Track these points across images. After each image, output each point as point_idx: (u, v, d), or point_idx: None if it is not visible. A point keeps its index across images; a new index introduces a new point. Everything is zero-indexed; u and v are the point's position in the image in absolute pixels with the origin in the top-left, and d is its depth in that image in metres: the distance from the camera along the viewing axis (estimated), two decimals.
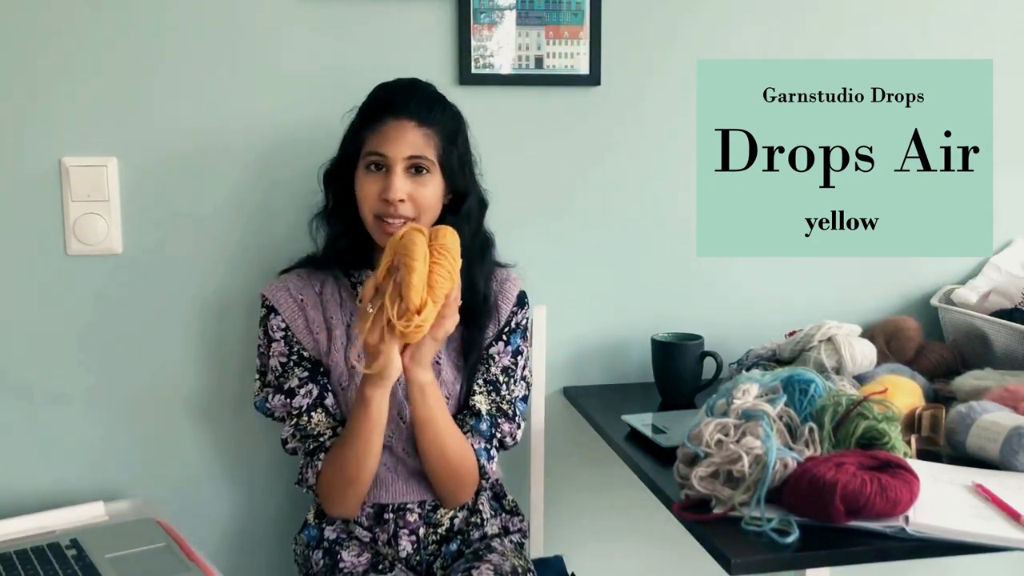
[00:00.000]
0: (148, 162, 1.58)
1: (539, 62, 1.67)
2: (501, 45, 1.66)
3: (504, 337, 1.47)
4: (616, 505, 1.80)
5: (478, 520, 1.48)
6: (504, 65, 1.66)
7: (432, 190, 1.38)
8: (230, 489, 1.68)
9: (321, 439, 1.40)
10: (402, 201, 1.35)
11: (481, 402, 1.44)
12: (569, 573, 1.60)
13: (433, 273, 1.22)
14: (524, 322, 1.49)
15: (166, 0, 1.55)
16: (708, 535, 1.11)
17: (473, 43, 1.64)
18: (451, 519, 1.46)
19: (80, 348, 1.60)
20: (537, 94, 1.69)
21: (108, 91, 1.55)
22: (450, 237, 1.27)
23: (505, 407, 1.45)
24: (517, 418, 1.46)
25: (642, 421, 1.50)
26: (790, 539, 1.08)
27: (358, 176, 1.39)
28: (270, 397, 1.43)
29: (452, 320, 1.28)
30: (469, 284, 1.40)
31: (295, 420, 1.41)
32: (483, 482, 1.46)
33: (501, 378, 1.45)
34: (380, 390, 1.31)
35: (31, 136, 1.54)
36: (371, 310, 1.23)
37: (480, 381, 1.45)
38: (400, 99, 1.38)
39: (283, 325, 1.43)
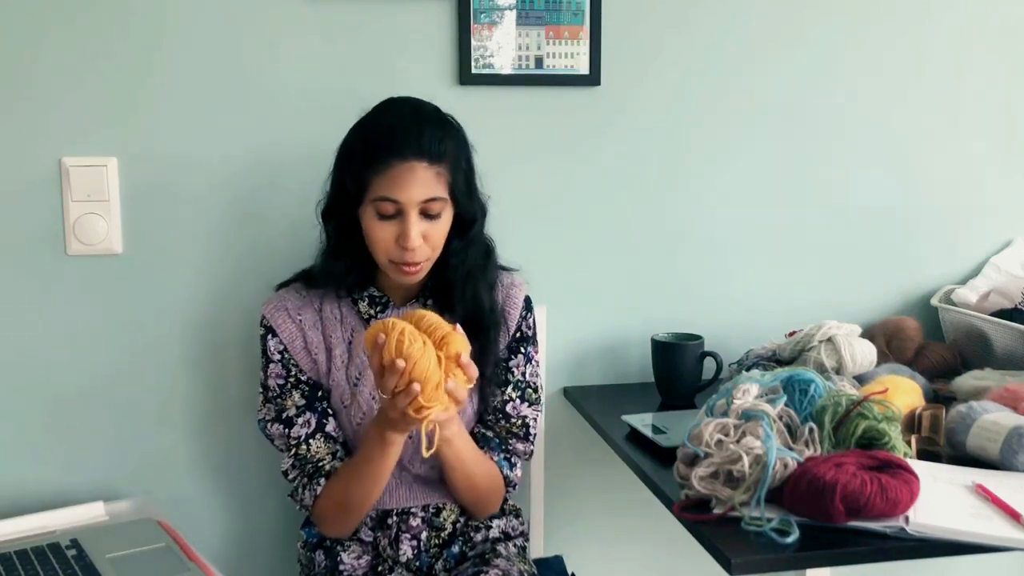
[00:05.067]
0: (148, 162, 1.58)
1: (539, 62, 1.67)
2: (501, 45, 1.66)
3: (522, 348, 1.46)
4: (616, 505, 1.81)
5: (479, 523, 1.47)
6: (504, 65, 1.66)
7: (444, 224, 1.34)
8: (230, 489, 1.68)
9: (320, 464, 1.39)
10: (419, 245, 1.31)
11: (489, 432, 1.45)
12: (569, 573, 1.60)
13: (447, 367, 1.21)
14: (533, 329, 1.49)
15: (166, 1, 1.55)
16: (708, 535, 1.11)
17: (473, 43, 1.64)
18: (453, 523, 1.45)
19: (80, 348, 1.60)
20: (537, 94, 1.69)
21: (108, 91, 1.55)
22: (436, 322, 1.22)
23: (516, 430, 1.45)
24: (530, 437, 1.46)
25: (642, 421, 1.50)
26: (790, 539, 1.08)
27: (367, 219, 1.32)
28: (269, 425, 1.41)
29: (467, 389, 1.24)
30: (473, 297, 1.39)
31: (294, 451, 1.39)
32: (510, 489, 1.46)
33: (512, 394, 1.44)
34: (402, 436, 1.30)
35: (31, 136, 1.54)
36: (384, 395, 1.21)
37: (489, 410, 1.44)
38: (407, 137, 1.29)
39: (281, 347, 1.40)
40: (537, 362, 1.49)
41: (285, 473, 1.42)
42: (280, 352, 1.40)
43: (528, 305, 1.48)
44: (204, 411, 1.66)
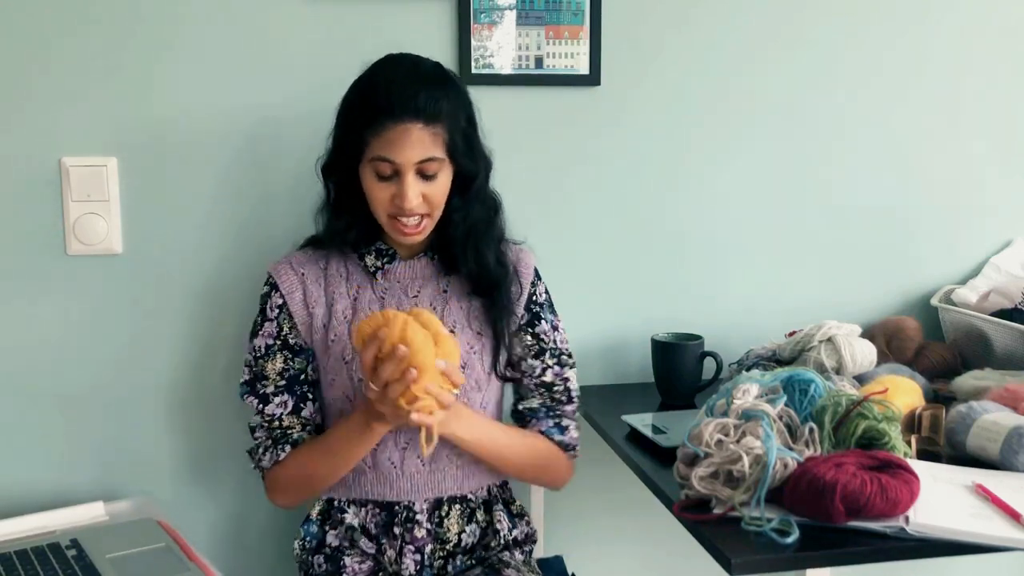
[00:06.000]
0: (148, 162, 1.58)
1: (539, 62, 1.67)
2: (501, 45, 1.66)
3: (543, 316, 1.46)
4: (616, 505, 1.81)
5: (498, 542, 1.43)
6: (504, 65, 1.66)
7: (443, 183, 1.34)
8: (230, 489, 1.68)
9: (289, 431, 1.39)
10: (417, 204, 1.32)
11: (534, 403, 1.45)
12: (569, 573, 1.60)
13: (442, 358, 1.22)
14: (547, 296, 1.49)
15: (167, 2, 1.55)
16: (708, 535, 1.11)
17: (473, 43, 1.64)
18: (459, 534, 1.41)
19: (80, 348, 1.60)
20: (537, 94, 1.69)
21: (108, 91, 1.55)
22: (430, 320, 1.24)
23: (560, 396, 1.45)
24: (575, 398, 1.47)
25: (642, 421, 1.50)
26: (790, 539, 1.08)
27: (365, 177, 1.33)
28: (244, 396, 1.41)
29: (452, 395, 1.25)
30: (476, 253, 1.39)
31: (268, 424, 1.39)
32: (572, 452, 1.46)
33: (550, 361, 1.44)
34: (388, 428, 1.31)
35: (31, 136, 1.54)
36: (375, 387, 1.22)
37: (532, 385, 1.45)
38: (403, 98, 1.29)
39: (280, 302, 1.40)
40: (563, 328, 1.49)
41: (252, 429, 1.41)
42: (278, 307, 1.40)
43: (538, 273, 1.49)
44: (204, 411, 1.65)
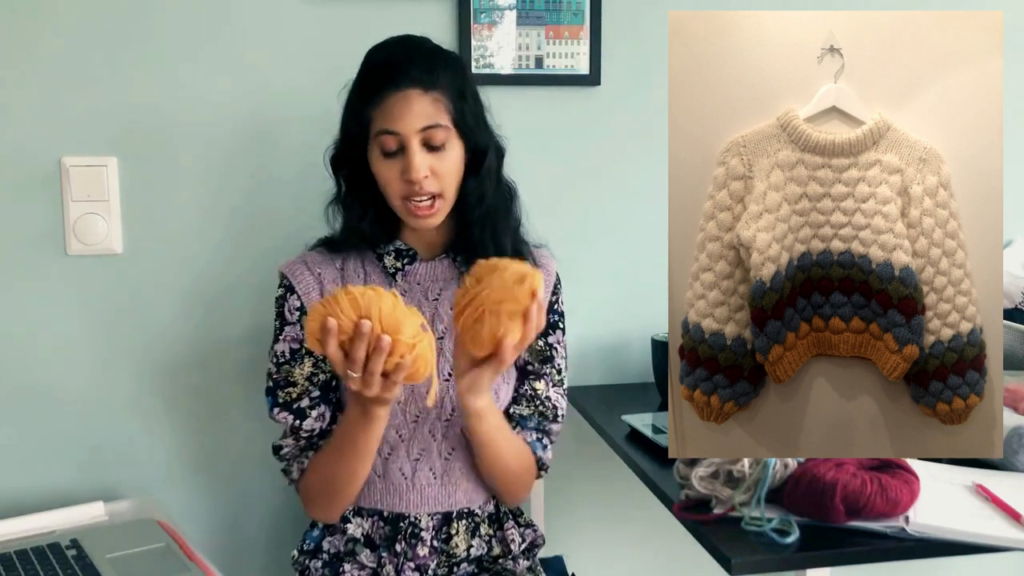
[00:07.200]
0: (148, 162, 1.58)
1: (539, 62, 1.68)
2: (501, 45, 1.66)
3: (560, 324, 1.42)
4: (616, 505, 1.81)
5: (511, 566, 1.40)
6: (504, 65, 1.66)
7: (453, 157, 1.29)
8: (230, 489, 1.68)
9: (315, 440, 1.35)
10: (426, 177, 1.27)
11: (525, 410, 1.40)
12: (569, 573, 1.60)
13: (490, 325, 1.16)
14: (562, 306, 1.45)
15: (167, 2, 1.55)
16: (708, 535, 1.11)
17: (473, 43, 1.64)
18: (467, 549, 1.37)
19: (80, 348, 1.60)
20: (537, 94, 1.69)
21: (108, 91, 1.55)
22: (517, 275, 1.16)
23: (548, 412, 1.40)
24: (559, 418, 1.42)
25: (642, 421, 1.50)
26: (790, 539, 1.08)
27: (373, 159, 1.29)
28: (275, 412, 1.34)
29: (510, 360, 1.20)
30: (494, 238, 1.34)
31: (303, 442, 1.34)
32: (542, 473, 1.41)
33: (549, 371, 1.41)
34: (387, 408, 1.25)
35: (31, 136, 1.54)
36: (355, 374, 1.13)
37: (524, 390, 1.40)
38: (397, 66, 1.27)
39: (298, 304, 1.33)
40: (566, 343, 1.46)
41: (278, 448, 1.36)
42: (297, 310, 1.34)
43: (559, 280, 1.45)
44: (204, 411, 1.66)
